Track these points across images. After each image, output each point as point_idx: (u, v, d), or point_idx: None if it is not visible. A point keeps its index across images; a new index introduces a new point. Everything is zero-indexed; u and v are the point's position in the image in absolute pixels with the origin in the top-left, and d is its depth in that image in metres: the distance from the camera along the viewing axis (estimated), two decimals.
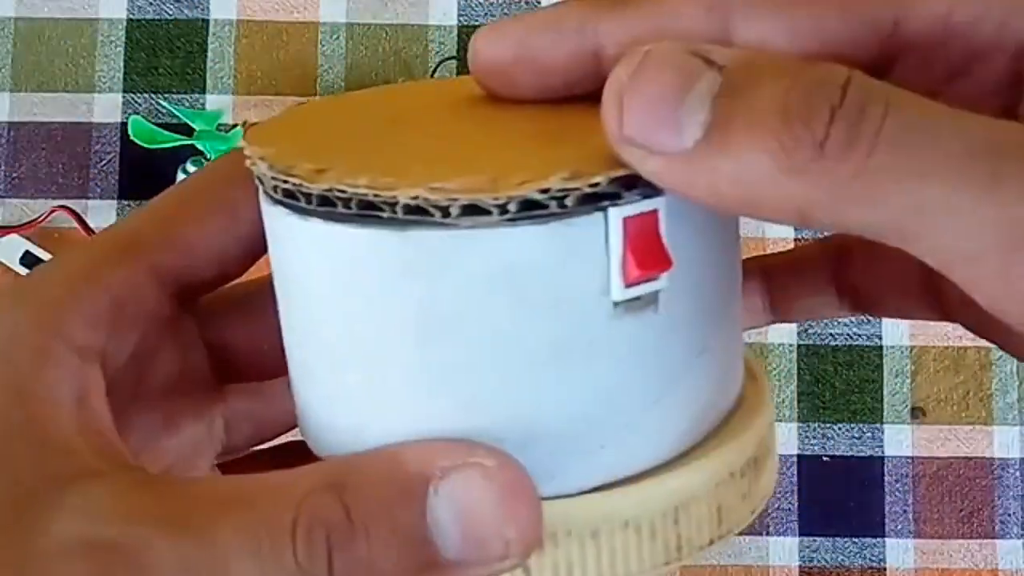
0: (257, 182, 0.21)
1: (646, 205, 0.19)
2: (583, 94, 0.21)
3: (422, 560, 0.18)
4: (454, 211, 0.18)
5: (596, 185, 0.18)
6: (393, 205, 0.18)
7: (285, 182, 0.19)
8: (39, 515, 0.19)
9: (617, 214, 0.18)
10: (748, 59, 0.18)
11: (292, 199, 0.20)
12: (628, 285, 0.19)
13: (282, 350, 0.22)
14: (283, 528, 0.18)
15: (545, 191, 0.18)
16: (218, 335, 0.25)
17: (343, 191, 0.19)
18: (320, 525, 0.18)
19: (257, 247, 0.23)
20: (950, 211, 0.16)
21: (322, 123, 0.23)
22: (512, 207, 0.18)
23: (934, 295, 0.25)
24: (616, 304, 0.19)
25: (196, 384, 0.25)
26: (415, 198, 0.18)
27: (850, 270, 0.26)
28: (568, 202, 0.18)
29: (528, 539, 0.18)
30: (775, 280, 0.27)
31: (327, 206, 0.19)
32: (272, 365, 0.23)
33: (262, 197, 0.21)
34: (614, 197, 0.18)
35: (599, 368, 0.19)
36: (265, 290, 0.22)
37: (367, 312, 0.19)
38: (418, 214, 0.18)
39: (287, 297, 0.21)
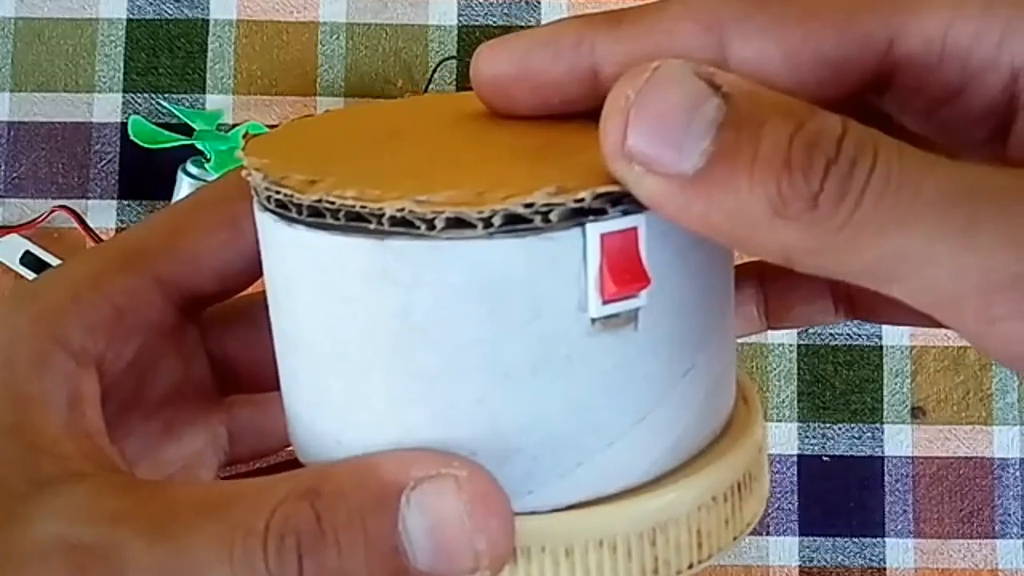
0: (253, 192, 0.21)
1: (626, 222, 0.19)
2: (582, 111, 0.21)
3: (392, 569, 0.18)
4: (439, 224, 0.18)
5: (581, 201, 0.18)
6: (379, 216, 0.18)
7: (277, 192, 0.20)
8: (22, 515, 0.19)
9: (595, 230, 0.18)
10: (752, 92, 0.18)
11: (284, 209, 0.20)
12: (606, 302, 0.19)
13: None
14: (255, 534, 0.18)
15: (529, 206, 0.18)
16: (221, 346, 0.26)
17: (332, 202, 0.19)
18: (291, 532, 0.18)
19: (261, 263, 0.23)
20: (929, 258, 0.17)
21: (321, 136, 0.23)
22: (496, 221, 0.18)
23: None
24: (594, 320, 0.19)
25: (198, 394, 0.25)
26: (401, 210, 0.18)
27: None
28: (552, 217, 0.18)
29: (499, 552, 0.19)
30: (770, 287, 0.27)
31: (316, 216, 0.19)
32: (274, 377, 0.23)
33: (256, 207, 0.21)
34: (599, 213, 0.18)
35: (577, 384, 0.19)
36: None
37: (349, 320, 0.19)
38: (403, 226, 0.18)
39: (277, 305, 0.21)
